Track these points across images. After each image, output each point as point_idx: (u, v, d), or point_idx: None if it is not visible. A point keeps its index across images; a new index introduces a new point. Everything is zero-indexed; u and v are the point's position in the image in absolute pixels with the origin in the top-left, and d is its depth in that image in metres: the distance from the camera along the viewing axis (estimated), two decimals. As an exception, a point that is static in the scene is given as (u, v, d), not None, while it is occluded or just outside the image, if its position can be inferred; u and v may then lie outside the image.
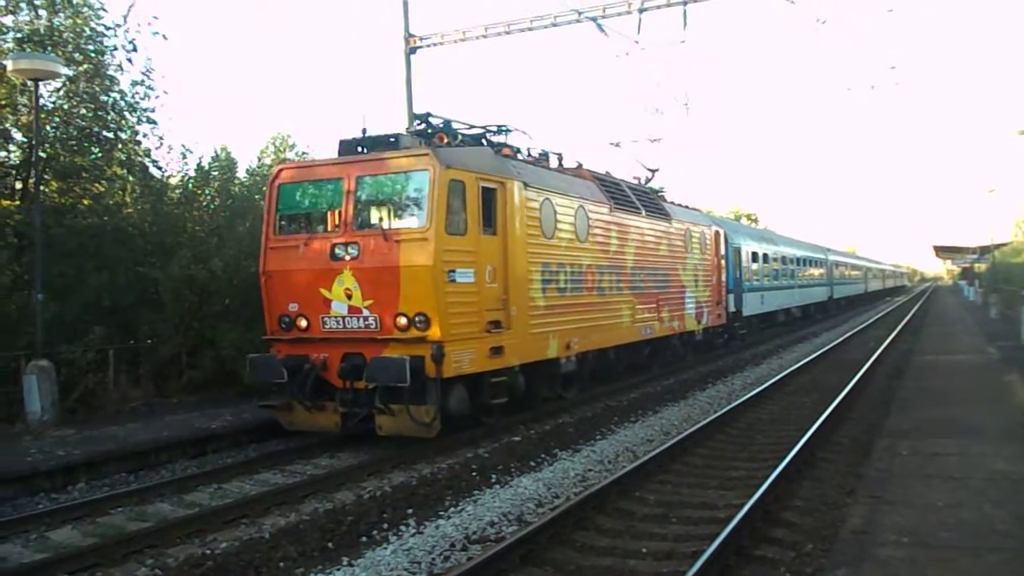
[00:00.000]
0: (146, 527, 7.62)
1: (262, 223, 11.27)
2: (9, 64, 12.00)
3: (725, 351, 22.25)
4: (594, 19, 17.26)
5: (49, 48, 14.25)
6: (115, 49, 15.61)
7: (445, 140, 11.32)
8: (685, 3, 16.72)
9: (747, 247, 25.33)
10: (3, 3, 14.69)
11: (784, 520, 7.15)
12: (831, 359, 20.33)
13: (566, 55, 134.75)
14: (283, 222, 11.05)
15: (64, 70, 12.96)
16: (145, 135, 16.41)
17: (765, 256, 27.51)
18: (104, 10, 15.41)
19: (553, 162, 14.06)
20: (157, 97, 16.19)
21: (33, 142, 13.43)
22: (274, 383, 10.50)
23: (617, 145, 19.20)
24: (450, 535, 7.05)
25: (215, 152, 18.03)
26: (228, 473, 9.64)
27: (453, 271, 9.97)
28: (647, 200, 16.89)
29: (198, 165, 17.62)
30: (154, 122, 16.31)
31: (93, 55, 15.23)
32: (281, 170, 11.32)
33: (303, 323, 10.48)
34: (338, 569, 6.45)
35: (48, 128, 14.71)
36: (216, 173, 17.75)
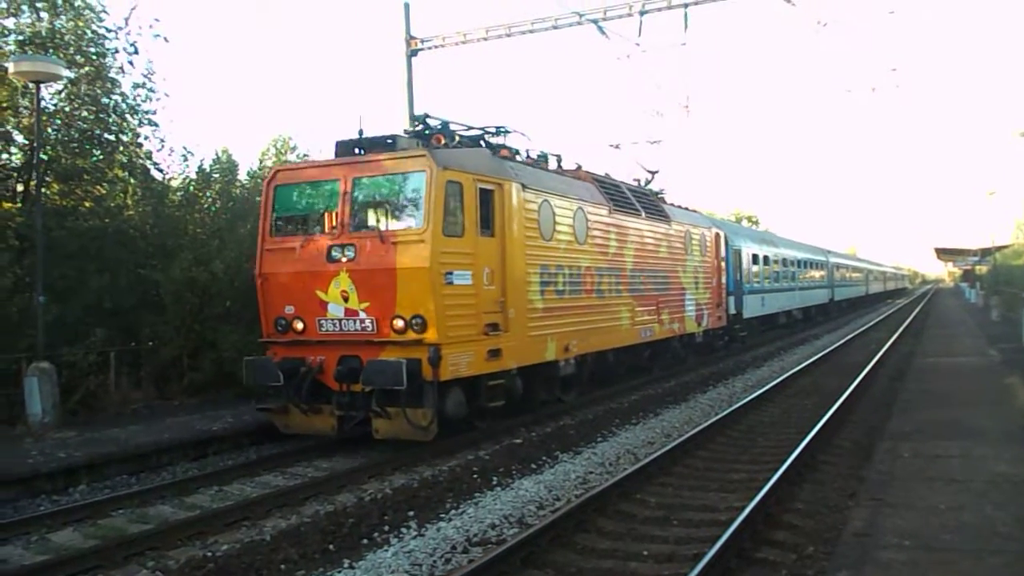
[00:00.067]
0: (147, 529, 7.62)
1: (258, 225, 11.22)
2: (11, 66, 12.01)
3: (726, 353, 22.23)
4: (595, 21, 17.28)
5: (51, 50, 14.26)
6: (116, 52, 15.65)
7: (443, 141, 11.27)
8: (686, 5, 16.75)
9: (747, 249, 25.31)
10: (4, 5, 14.72)
11: (785, 523, 7.14)
12: (832, 361, 20.32)
13: (567, 57, 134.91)
14: (279, 224, 10.99)
15: (65, 72, 12.97)
16: (146, 137, 16.45)
17: (766, 258, 27.49)
18: (106, 12, 15.46)
19: (552, 164, 14.03)
20: (158, 99, 16.24)
21: (35, 144, 13.45)
22: (270, 386, 10.48)
23: (617, 147, 19.20)
24: (451, 537, 7.05)
25: (216, 154, 18.08)
26: (229, 475, 9.63)
27: (450, 273, 9.92)
28: (647, 202, 16.86)
29: (199, 167, 17.67)
30: (155, 124, 16.35)
31: (94, 57, 15.25)
32: (277, 171, 11.27)
33: (299, 325, 10.42)
34: (339, 571, 6.44)
35: (50, 130, 14.72)
36: (217, 175, 17.77)
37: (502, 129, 12.64)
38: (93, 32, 15.25)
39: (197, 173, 17.61)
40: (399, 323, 9.77)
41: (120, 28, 15.57)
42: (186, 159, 17.64)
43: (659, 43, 18.35)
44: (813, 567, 6.02)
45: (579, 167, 14.88)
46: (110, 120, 15.57)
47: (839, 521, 6.81)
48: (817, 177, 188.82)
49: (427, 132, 11.52)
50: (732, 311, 22.51)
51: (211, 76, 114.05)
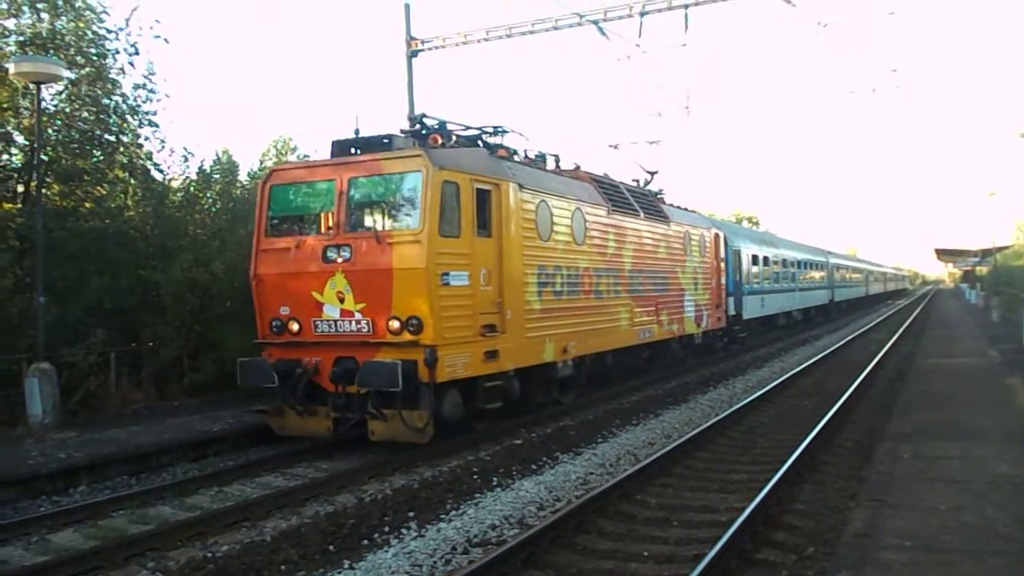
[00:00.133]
0: (147, 530, 7.62)
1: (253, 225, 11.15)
2: (11, 67, 12.01)
3: (726, 354, 22.22)
4: (595, 22, 17.28)
5: (51, 51, 14.26)
6: (117, 52, 15.63)
7: (439, 141, 11.20)
8: (686, 6, 16.75)
9: (747, 250, 25.31)
10: (5, 6, 14.72)
11: (786, 523, 7.14)
12: (832, 362, 20.32)
13: (567, 58, 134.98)
14: (275, 224, 10.94)
15: (66, 73, 12.97)
16: (147, 138, 16.44)
17: (765, 259, 27.48)
18: (106, 13, 15.45)
19: (550, 164, 13.98)
20: (159, 100, 16.23)
21: (35, 145, 13.44)
22: (265, 388, 10.44)
23: (616, 147, 19.15)
24: (451, 538, 7.05)
25: (217, 155, 18.07)
26: (229, 476, 9.63)
27: (447, 274, 9.87)
28: (646, 202, 16.82)
29: (200, 168, 17.65)
30: (156, 125, 16.34)
31: (95, 58, 15.25)
32: (272, 171, 11.22)
33: (295, 327, 10.38)
34: (339, 572, 6.45)
35: (50, 131, 14.72)
36: (218, 176, 17.77)
37: (499, 129, 12.56)
38: (94, 33, 15.25)
39: (197, 174, 17.60)
40: (395, 324, 9.72)
41: (121, 29, 15.58)
42: (186, 160, 17.65)
43: (659, 44, 18.36)
44: (813, 568, 6.02)
45: (577, 167, 14.84)
46: (110, 121, 15.57)
47: (839, 522, 6.81)
48: (817, 178, 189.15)
49: (424, 132, 11.46)
50: (732, 312, 22.48)
51: (211, 76, 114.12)
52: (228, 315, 14.52)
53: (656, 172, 19.16)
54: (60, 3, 14.94)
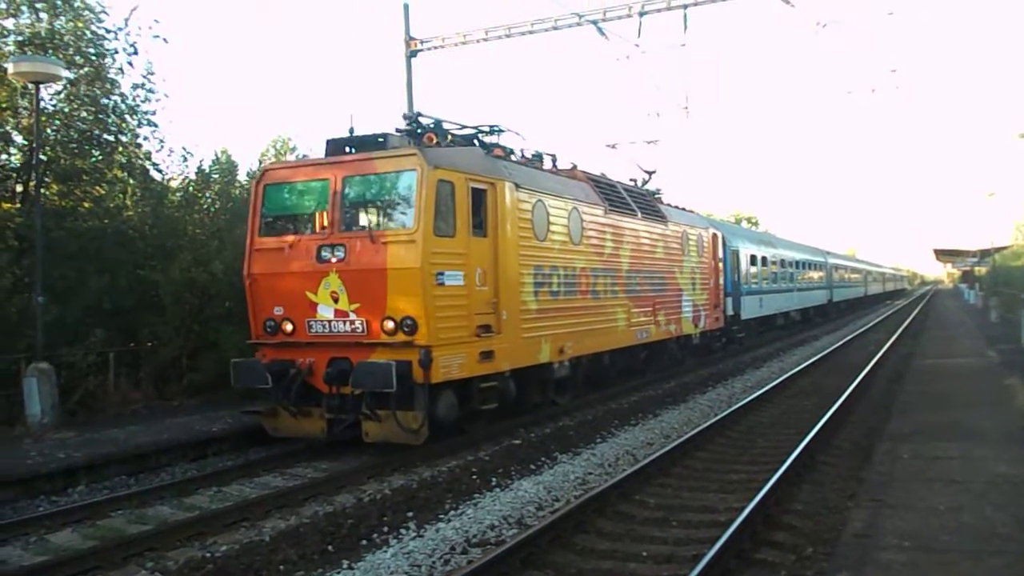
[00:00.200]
0: (146, 530, 7.61)
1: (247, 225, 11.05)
2: (10, 67, 12.01)
3: (724, 354, 22.22)
4: (594, 22, 17.28)
5: (50, 51, 14.26)
6: (116, 52, 15.64)
7: (434, 140, 11.14)
8: (685, 6, 16.75)
9: (745, 250, 25.32)
10: (4, 6, 14.72)
11: (785, 524, 7.14)
12: (831, 362, 20.33)
13: (566, 58, 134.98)
14: (268, 224, 10.87)
15: (65, 73, 12.97)
16: (146, 138, 16.44)
17: (764, 259, 27.49)
18: (105, 13, 15.45)
19: (547, 163, 13.93)
20: (158, 100, 16.23)
21: (34, 145, 13.45)
22: (259, 388, 10.40)
23: (614, 147, 19.13)
24: (450, 538, 7.05)
25: (216, 155, 18.08)
26: (228, 476, 9.63)
27: (441, 274, 9.81)
28: (643, 202, 16.79)
29: (199, 168, 17.66)
30: (155, 125, 16.34)
31: (94, 58, 15.25)
32: (266, 171, 11.15)
33: (288, 327, 10.31)
34: (338, 572, 6.45)
35: (49, 131, 14.72)
36: (217, 176, 17.76)
37: (496, 128, 12.49)
38: (92, 33, 15.24)
39: (196, 174, 17.61)
40: (389, 324, 9.66)
41: (120, 29, 15.59)
42: (185, 159, 17.67)
43: (658, 44, 18.37)
44: (812, 568, 6.02)
45: (574, 167, 14.79)
46: (109, 121, 15.56)
47: (839, 522, 6.81)
48: (817, 178, 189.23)
49: (419, 131, 11.38)
50: (730, 312, 22.49)
51: (211, 76, 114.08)
52: (227, 315, 14.50)
53: (654, 171, 19.15)
54: (59, 3, 14.94)
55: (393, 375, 9.13)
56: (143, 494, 8.83)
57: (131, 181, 16.60)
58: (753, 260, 26.06)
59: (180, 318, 14.27)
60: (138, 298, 14.79)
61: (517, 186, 11.44)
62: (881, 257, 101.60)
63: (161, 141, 16.73)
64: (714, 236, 21.33)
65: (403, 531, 7.38)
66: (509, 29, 18.40)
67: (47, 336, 11.78)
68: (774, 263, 29.07)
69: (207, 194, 17.67)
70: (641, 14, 17.00)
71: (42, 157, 14.04)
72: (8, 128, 14.69)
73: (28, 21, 14.83)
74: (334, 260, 9.97)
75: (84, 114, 15.32)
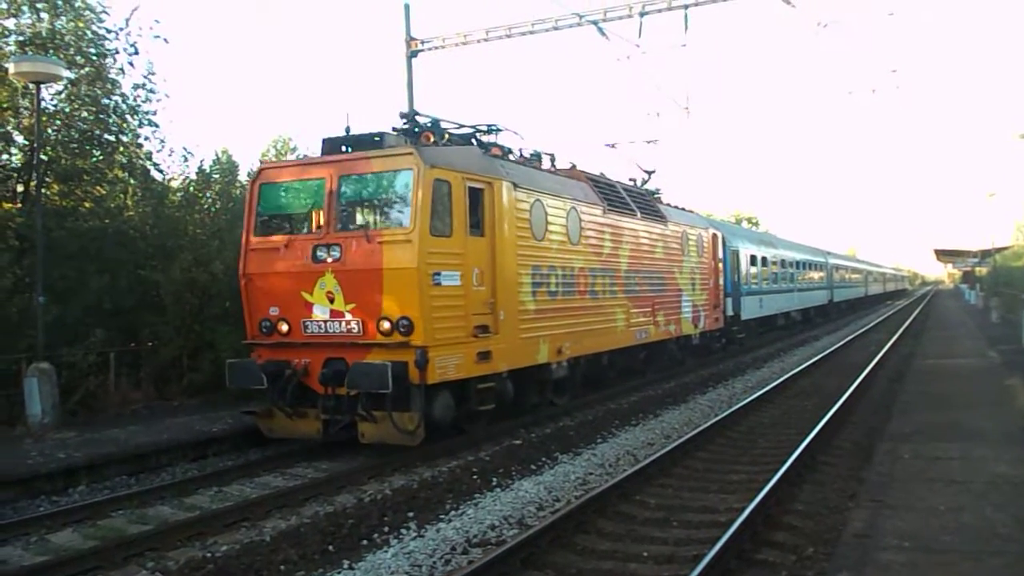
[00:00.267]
0: (147, 530, 7.62)
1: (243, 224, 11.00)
2: (11, 67, 12.01)
3: (725, 355, 22.21)
4: (595, 23, 17.28)
5: (51, 51, 14.27)
6: (117, 52, 15.65)
7: (432, 139, 11.09)
8: (686, 7, 16.75)
9: (745, 250, 25.31)
10: (5, 6, 14.73)
11: (785, 524, 7.14)
12: (832, 363, 20.32)
13: (567, 59, 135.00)
14: (264, 223, 10.81)
15: (66, 73, 12.97)
16: (146, 138, 16.46)
17: (764, 259, 27.48)
18: (106, 13, 15.47)
19: (545, 163, 13.90)
20: (159, 100, 16.25)
21: (35, 145, 13.45)
22: (254, 389, 10.36)
23: (613, 146, 19.11)
24: (451, 538, 7.05)
25: (216, 155, 18.10)
26: (229, 476, 9.63)
27: (438, 274, 9.76)
28: (642, 202, 16.75)
29: (199, 168, 17.67)
30: (155, 125, 16.35)
31: (95, 58, 15.26)
32: (262, 169, 11.09)
33: (284, 327, 10.26)
34: (338, 572, 6.45)
35: (49, 131, 14.72)
36: (217, 176, 17.77)
37: (493, 127, 12.44)
38: (93, 33, 15.26)
39: (197, 174, 17.63)
40: (385, 325, 9.60)
41: (121, 29, 15.60)
42: (186, 159, 17.69)
43: (659, 44, 18.47)
44: (813, 568, 6.02)
45: (573, 166, 14.76)
46: (110, 121, 15.58)
47: (839, 522, 6.81)
48: (817, 178, 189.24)
49: (416, 130, 11.33)
50: (730, 313, 22.47)
51: (211, 76, 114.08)
52: (223, 315, 14.51)
53: (654, 171, 19.14)
54: (60, 3, 14.96)
55: (389, 376, 9.10)
56: (143, 494, 8.83)
57: (132, 181, 16.61)
58: (753, 260, 26.05)
59: (180, 318, 14.28)
60: (139, 298, 14.80)
61: (515, 185, 11.40)
62: (882, 257, 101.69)
63: (162, 141, 16.78)
64: (714, 236, 21.32)
65: (404, 531, 7.38)
66: (510, 29, 18.40)
67: (48, 336, 11.78)
68: (774, 263, 29.06)
69: (208, 194, 17.69)
70: (642, 14, 17.00)
71: (43, 157, 14.04)
72: (9, 128, 14.70)
73: (29, 21, 14.85)
74: (330, 260, 9.91)
75: (85, 114, 15.33)
